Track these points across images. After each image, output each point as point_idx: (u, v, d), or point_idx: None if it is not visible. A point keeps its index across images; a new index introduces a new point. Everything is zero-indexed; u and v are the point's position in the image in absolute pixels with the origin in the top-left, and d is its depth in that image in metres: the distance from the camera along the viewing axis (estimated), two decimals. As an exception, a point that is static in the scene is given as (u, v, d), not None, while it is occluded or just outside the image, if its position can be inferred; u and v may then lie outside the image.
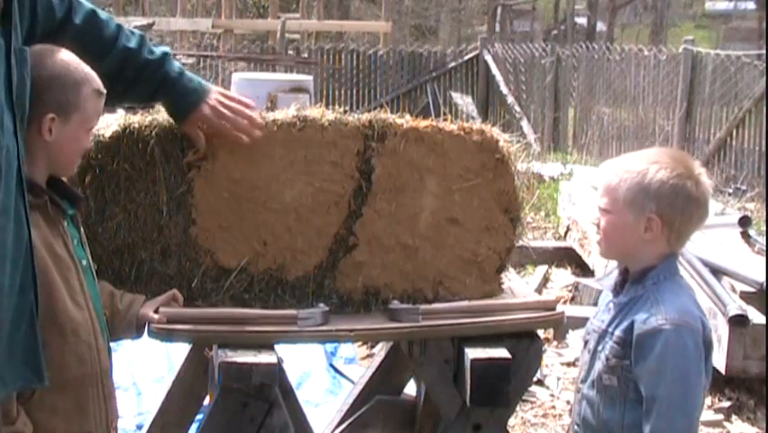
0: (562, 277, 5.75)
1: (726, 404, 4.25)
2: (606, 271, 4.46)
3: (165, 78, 2.27)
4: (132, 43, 2.24)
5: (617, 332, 2.07)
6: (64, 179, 2.12)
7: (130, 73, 2.23)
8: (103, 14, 2.23)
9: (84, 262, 2.10)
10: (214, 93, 2.29)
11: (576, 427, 2.21)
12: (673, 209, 2.02)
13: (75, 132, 2.02)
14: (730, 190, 9.64)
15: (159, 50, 2.28)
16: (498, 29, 24.80)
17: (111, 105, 2.23)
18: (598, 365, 2.11)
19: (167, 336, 2.29)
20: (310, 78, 4.48)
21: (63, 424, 1.96)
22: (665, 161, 2.07)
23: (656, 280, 2.06)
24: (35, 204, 1.96)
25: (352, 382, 3.77)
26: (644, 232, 2.04)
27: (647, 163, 2.05)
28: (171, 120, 2.39)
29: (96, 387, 2.06)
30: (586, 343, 2.23)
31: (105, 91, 2.10)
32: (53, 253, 1.96)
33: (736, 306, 4.19)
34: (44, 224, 1.97)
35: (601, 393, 2.10)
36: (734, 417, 4.20)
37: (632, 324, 2.03)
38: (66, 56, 2.01)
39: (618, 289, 2.15)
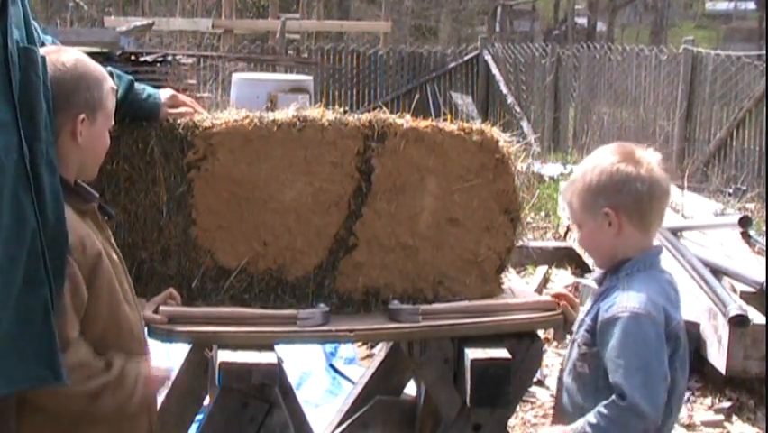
0: (563, 277, 5.77)
1: (727, 404, 4.25)
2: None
3: (133, 105, 2.38)
4: (121, 91, 2.31)
5: (588, 320, 2.13)
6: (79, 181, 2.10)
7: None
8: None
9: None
10: (164, 93, 2.45)
11: (556, 414, 2.26)
12: (620, 195, 2.06)
13: (101, 130, 2.03)
14: (730, 190, 9.64)
15: (125, 81, 2.36)
16: (498, 29, 24.80)
17: None
18: (574, 353, 2.16)
19: (167, 336, 2.29)
20: (310, 78, 4.49)
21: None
22: (602, 157, 2.14)
23: (630, 271, 2.10)
24: (85, 210, 1.99)
25: (352, 383, 3.78)
26: (608, 228, 2.10)
27: (585, 166, 2.14)
28: (171, 119, 2.44)
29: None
30: (571, 333, 2.29)
31: (117, 87, 2.15)
32: (109, 257, 1.99)
33: (736, 306, 4.20)
34: (96, 229, 2.00)
35: (576, 381, 2.15)
36: (734, 417, 4.20)
37: (598, 312, 2.09)
38: (80, 55, 2.02)
39: (601, 280, 2.21)
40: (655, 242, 2.24)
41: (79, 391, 1.89)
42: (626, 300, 2.01)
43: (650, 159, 2.13)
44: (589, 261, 5.81)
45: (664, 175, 2.14)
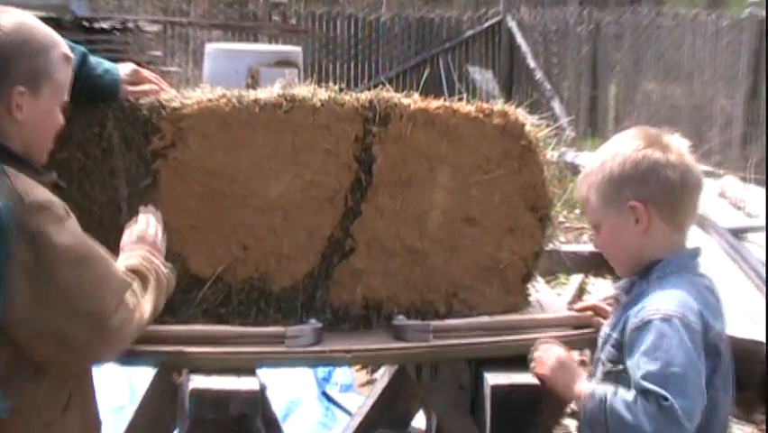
0: (602, 288, 5.75)
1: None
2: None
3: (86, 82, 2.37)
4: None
5: (614, 334, 2.14)
6: None
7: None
8: None
9: None
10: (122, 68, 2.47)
11: None
12: (648, 185, 2.08)
13: (47, 106, 2.03)
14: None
15: (77, 53, 2.35)
16: (524, -11, 24.75)
17: None
18: (598, 373, 2.18)
19: (127, 358, 2.29)
20: (299, 49, 4.51)
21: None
22: (622, 143, 2.15)
23: (662, 273, 2.11)
24: (44, 183, 2.01)
25: (349, 414, 3.81)
26: (635, 225, 2.11)
27: (603, 155, 2.14)
28: (132, 99, 2.46)
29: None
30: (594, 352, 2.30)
31: (72, 55, 2.13)
32: None
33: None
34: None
35: None
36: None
37: (626, 322, 2.09)
38: (25, 17, 2.01)
39: (628, 288, 2.21)
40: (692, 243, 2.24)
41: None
42: (659, 302, 2.02)
43: (679, 144, 2.14)
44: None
45: (696, 163, 2.15)
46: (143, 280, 2.13)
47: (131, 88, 2.47)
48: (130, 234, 2.27)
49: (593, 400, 2.00)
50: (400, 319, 2.51)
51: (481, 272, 2.61)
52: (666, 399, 1.90)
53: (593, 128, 13.31)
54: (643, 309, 2.03)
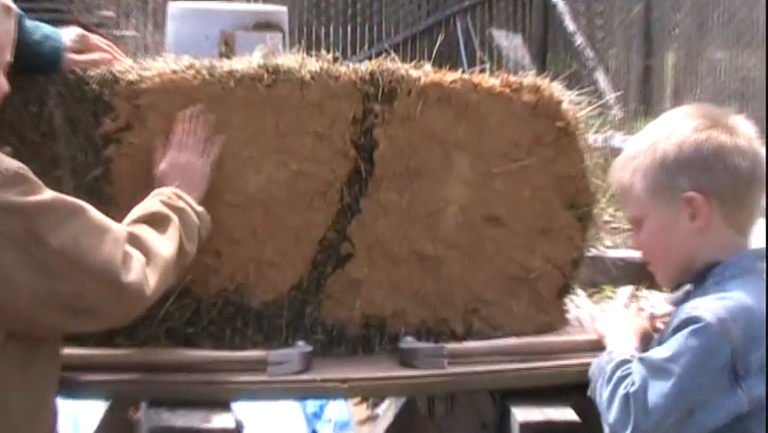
0: (656, 303, 5.75)
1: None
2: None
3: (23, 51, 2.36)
4: None
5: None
6: None
7: None
8: None
9: None
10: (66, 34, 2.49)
11: None
12: (711, 173, 2.07)
13: None
14: None
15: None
16: (561, -65, 24.74)
17: None
18: None
19: (72, 390, 2.32)
20: (284, 9, 4.50)
21: None
22: (677, 121, 2.14)
23: (720, 277, 2.09)
24: None
25: (346, 458, 3.73)
26: (690, 221, 2.10)
27: (653, 134, 2.13)
28: (79, 71, 2.46)
29: None
30: None
31: (14, 7, 2.16)
32: None
33: None
34: None
35: None
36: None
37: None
38: None
39: (682, 300, 2.19)
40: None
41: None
42: (702, 304, 2.03)
43: (746, 127, 2.13)
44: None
45: (764, 152, 2.14)
46: (161, 222, 2.25)
47: (76, 58, 2.48)
48: (164, 160, 2.41)
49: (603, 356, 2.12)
50: (408, 341, 2.52)
51: (508, 284, 2.62)
52: (633, 384, 1.98)
53: (646, 106, 13.20)
54: (682, 312, 2.05)
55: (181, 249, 2.27)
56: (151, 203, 2.31)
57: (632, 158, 2.14)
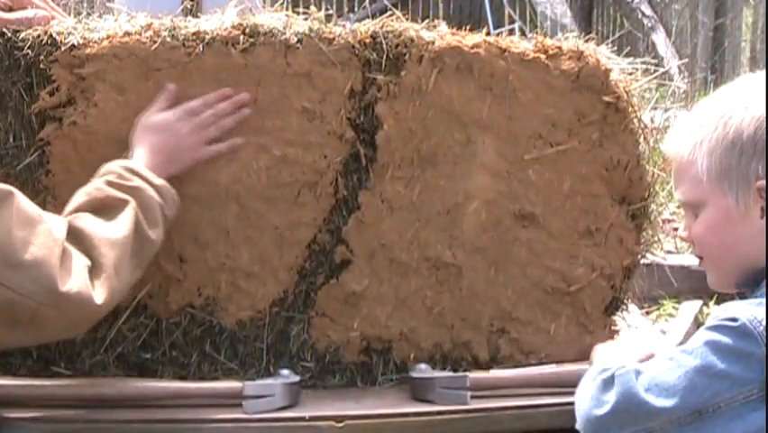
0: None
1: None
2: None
3: None
4: None
5: None
6: None
7: None
8: None
9: None
10: None
11: None
12: None
13: None
14: None
15: None
16: None
17: None
18: None
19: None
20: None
21: None
22: (755, 90, 2.01)
23: None
24: None
25: None
26: (760, 216, 1.99)
27: (726, 105, 2.02)
28: (8, 32, 2.31)
29: None
30: None
31: None
32: None
33: None
34: None
35: None
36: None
37: None
38: None
39: None
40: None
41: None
42: (739, 305, 1.96)
43: None
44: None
45: None
46: (110, 209, 2.11)
47: (4, 16, 2.34)
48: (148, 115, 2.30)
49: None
50: (421, 370, 2.36)
51: (543, 298, 2.47)
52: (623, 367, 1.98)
53: (718, 75, 12.80)
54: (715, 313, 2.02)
55: (140, 237, 2.14)
56: (96, 185, 2.19)
57: (696, 128, 2.02)
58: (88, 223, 2.09)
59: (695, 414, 1.91)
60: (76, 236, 2.05)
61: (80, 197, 2.17)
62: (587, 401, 1.99)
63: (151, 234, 2.17)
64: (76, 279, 1.98)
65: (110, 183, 2.17)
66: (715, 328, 1.95)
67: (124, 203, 2.14)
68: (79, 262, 2.01)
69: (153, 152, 2.25)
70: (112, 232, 2.10)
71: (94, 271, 2.03)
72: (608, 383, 1.97)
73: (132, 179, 2.18)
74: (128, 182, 2.18)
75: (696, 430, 1.93)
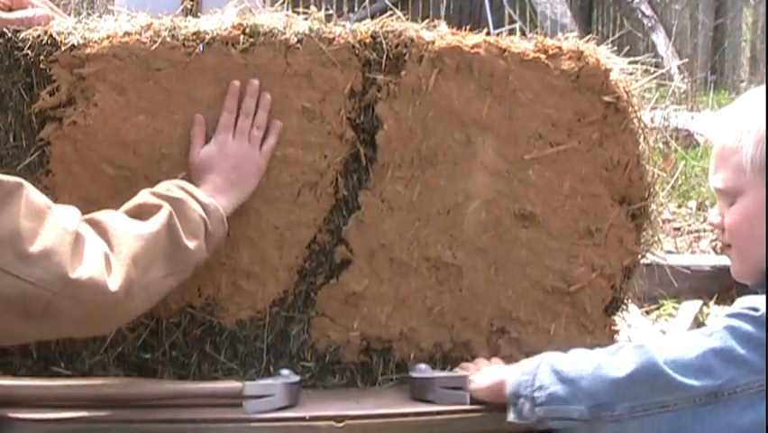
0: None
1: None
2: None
3: None
4: None
5: None
6: None
7: None
8: None
9: None
10: None
11: None
12: None
13: None
14: None
15: None
16: None
17: None
18: None
19: (-1, 429, 2.30)
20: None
21: None
22: None
23: None
24: None
25: None
26: None
27: None
28: (8, 32, 2.32)
29: None
30: None
31: None
32: None
33: None
34: None
35: None
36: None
37: None
38: None
39: None
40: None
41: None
42: (760, 298, 1.98)
43: None
44: None
45: None
46: (142, 211, 2.11)
47: (4, 16, 2.34)
48: (206, 145, 2.31)
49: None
50: (420, 370, 2.37)
51: (543, 298, 2.47)
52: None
53: (719, 75, 12.80)
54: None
55: (173, 241, 2.12)
56: (140, 195, 2.19)
57: (745, 117, 2.04)
58: (110, 217, 2.09)
59: (710, 395, 1.92)
60: (92, 225, 2.04)
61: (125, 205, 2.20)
62: (592, 366, 1.96)
63: (189, 243, 2.16)
64: (88, 264, 1.97)
65: (153, 193, 2.18)
66: (736, 316, 1.96)
67: (158, 207, 2.14)
68: (94, 248, 2.00)
69: (218, 185, 2.23)
70: (136, 227, 2.10)
71: (110, 257, 2.02)
72: (619, 348, 1.97)
73: (176, 191, 2.19)
74: (170, 193, 2.18)
75: (710, 413, 1.93)
